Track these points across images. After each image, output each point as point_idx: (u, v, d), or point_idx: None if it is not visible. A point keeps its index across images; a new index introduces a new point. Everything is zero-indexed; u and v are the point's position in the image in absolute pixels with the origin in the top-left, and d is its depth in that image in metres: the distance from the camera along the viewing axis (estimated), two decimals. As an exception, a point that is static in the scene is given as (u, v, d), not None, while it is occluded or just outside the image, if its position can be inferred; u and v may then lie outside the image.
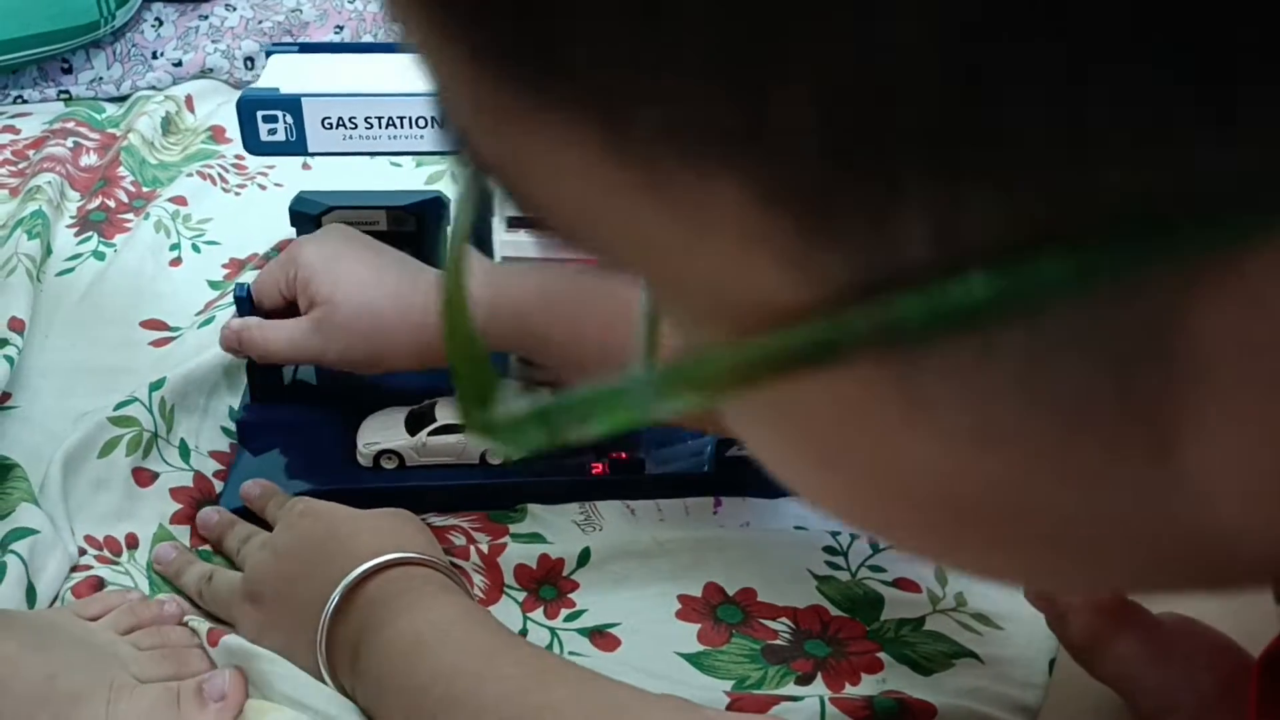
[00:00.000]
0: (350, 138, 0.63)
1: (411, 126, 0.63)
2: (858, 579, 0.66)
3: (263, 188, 1.05)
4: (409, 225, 0.76)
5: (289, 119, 0.63)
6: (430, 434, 0.69)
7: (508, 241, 0.70)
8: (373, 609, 0.55)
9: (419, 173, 1.08)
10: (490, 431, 0.20)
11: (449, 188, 1.02)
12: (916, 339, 0.16)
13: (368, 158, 1.09)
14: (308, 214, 0.75)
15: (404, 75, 0.67)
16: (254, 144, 0.63)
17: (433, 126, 0.64)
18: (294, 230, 0.76)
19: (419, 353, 0.66)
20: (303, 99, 0.62)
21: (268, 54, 0.70)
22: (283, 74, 0.66)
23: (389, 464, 0.70)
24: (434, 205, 0.76)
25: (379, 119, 0.63)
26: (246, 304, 0.71)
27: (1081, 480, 0.17)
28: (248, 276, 0.88)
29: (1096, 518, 0.18)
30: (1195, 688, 0.43)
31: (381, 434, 0.70)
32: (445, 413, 0.70)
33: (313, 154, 0.64)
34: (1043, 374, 0.16)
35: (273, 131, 0.63)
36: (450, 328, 0.20)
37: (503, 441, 0.20)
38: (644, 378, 0.18)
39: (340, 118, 0.63)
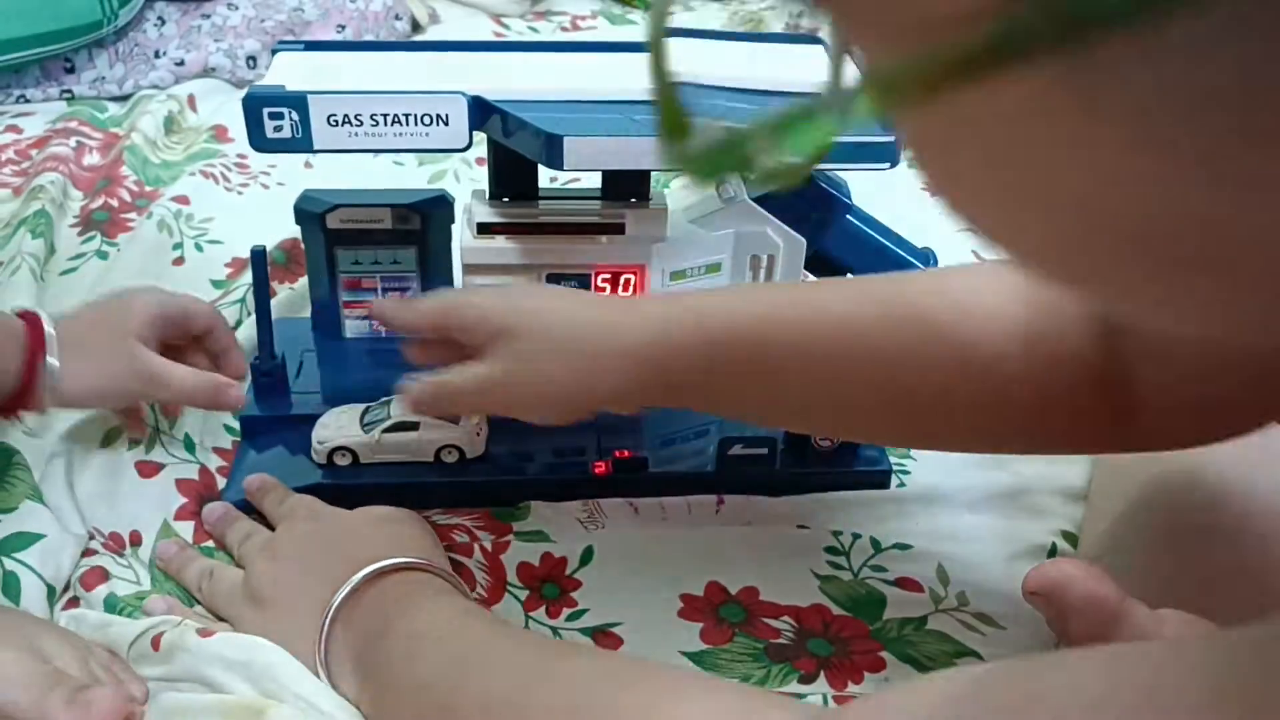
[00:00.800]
0: (356, 135, 0.63)
1: (417, 124, 0.63)
2: (860, 578, 0.66)
3: (265, 187, 1.05)
4: (413, 223, 0.76)
5: (295, 116, 0.63)
6: (384, 431, 0.69)
7: (474, 248, 0.70)
8: (373, 615, 0.55)
9: (421, 171, 1.08)
10: (686, 162, 0.20)
11: (451, 186, 1.02)
12: (1087, 33, 0.16)
13: (371, 156, 1.09)
14: (312, 212, 0.75)
15: (410, 73, 0.68)
16: (259, 141, 0.63)
17: (438, 124, 0.64)
18: (298, 229, 0.76)
19: (627, 383, 0.57)
20: (309, 96, 0.62)
21: (273, 51, 0.70)
22: (288, 71, 0.66)
23: (342, 460, 0.70)
24: (438, 203, 0.76)
25: (385, 116, 0.63)
26: (262, 263, 0.71)
27: (1234, 187, 0.18)
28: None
29: (1248, 230, 0.19)
30: None
31: (336, 431, 0.70)
32: (400, 410, 0.70)
33: (318, 151, 0.64)
34: (1201, 71, 0.17)
35: (278, 128, 0.63)
36: (652, 64, 0.21)
37: (697, 171, 0.20)
38: (832, 96, 0.19)
39: (346, 115, 0.63)
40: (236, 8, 1.28)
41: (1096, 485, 0.72)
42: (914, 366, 0.54)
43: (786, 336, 0.55)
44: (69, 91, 1.18)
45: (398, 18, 1.39)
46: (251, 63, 1.25)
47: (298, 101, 0.62)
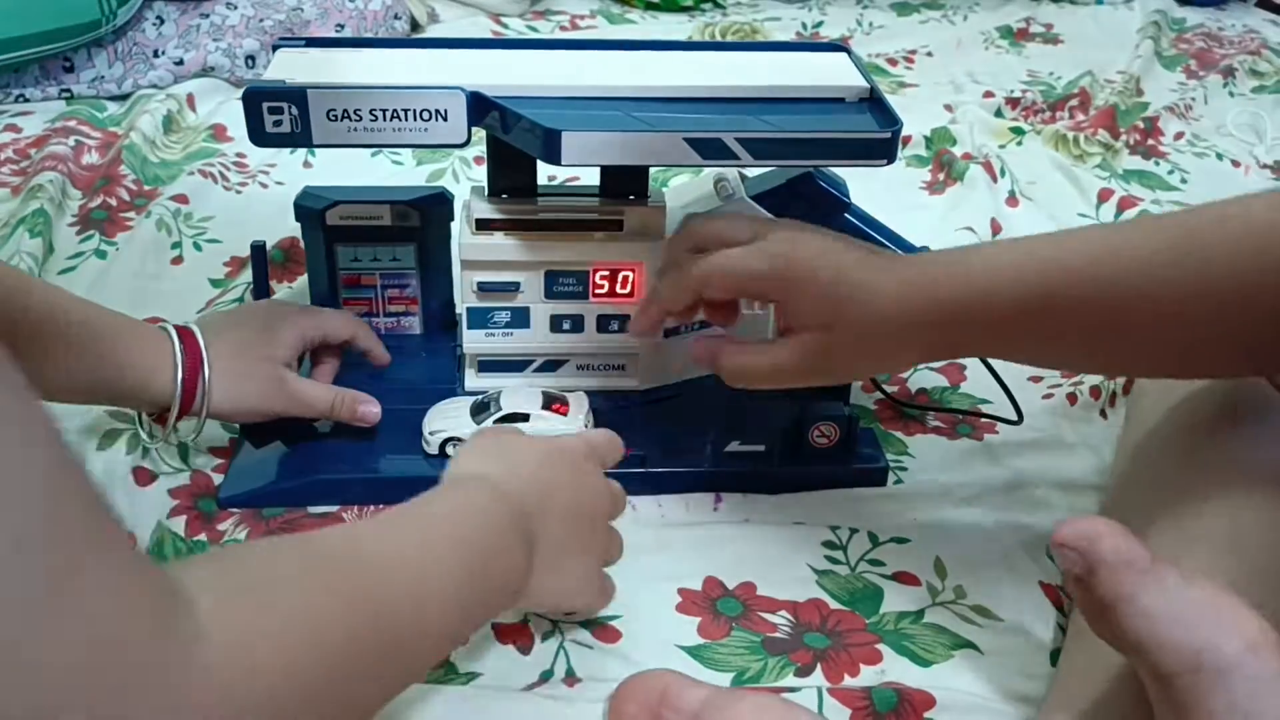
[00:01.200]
0: (355, 130, 0.63)
1: (416, 119, 0.64)
2: (857, 573, 0.66)
3: (264, 186, 1.05)
4: (413, 220, 0.76)
5: (294, 110, 0.63)
6: (495, 422, 0.70)
7: (473, 244, 0.71)
8: None
9: (420, 170, 1.08)
10: None
11: (451, 186, 1.02)
12: None
13: (370, 156, 1.09)
14: (312, 208, 0.75)
15: (409, 69, 0.68)
16: (259, 136, 0.63)
17: (437, 119, 0.64)
18: (298, 226, 0.76)
19: (921, 356, 0.65)
20: (308, 90, 0.62)
21: (274, 48, 0.70)
22: (289, 67, 0.66)
23: (454, 451, 0.71)
24: (437, 200, 0.76)
25: (384, 111, 0.63)
26: (263, 257, 0.72)
27: None
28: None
29: None
30: (1218, 650, 0.43)
31: (447, 422, 0.71)
32: (510, 402, 0.71)
33: (317, 145, 0.64)
34: None
35: (278, 123, 0.63)
36: None
37: None
38: None
39: (345, 110, 0.63)
40: (235, 7, 1.28)
41: (1119, 475, 0.71)
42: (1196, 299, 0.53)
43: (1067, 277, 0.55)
44: (68, 91, 1.18)
45: (397, 17, 1.40)
46: (250, 62, 1.25)
47: (297, 96, 0.63)
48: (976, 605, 0.64)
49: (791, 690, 0.57)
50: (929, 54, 1.55)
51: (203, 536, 0.67)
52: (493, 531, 0.51)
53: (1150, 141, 1.29)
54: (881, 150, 0.64)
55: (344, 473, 0.70)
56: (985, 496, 0.72)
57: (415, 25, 1.45)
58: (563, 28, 1.56)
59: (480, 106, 0.64)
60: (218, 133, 1.14)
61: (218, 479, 0.71)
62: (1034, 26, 1.68)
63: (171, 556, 0.65)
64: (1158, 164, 1.24)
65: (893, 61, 1.51)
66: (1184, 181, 1.21)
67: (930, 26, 1.66)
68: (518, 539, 0.52)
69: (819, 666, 0.59)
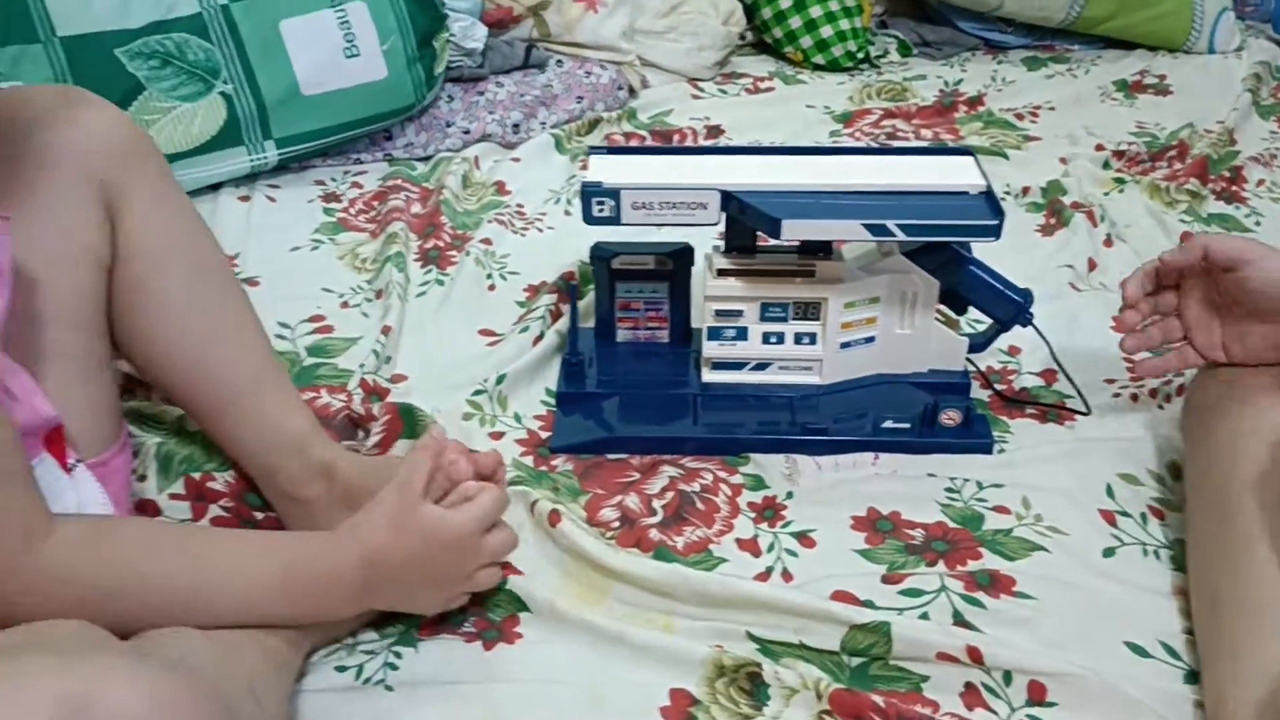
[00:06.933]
0: (650, 215, 1.00)
1: (687, 208, 0.99)
2: (968, 505, 1.00)
3: (540, 231, 1.42)
4: (668, 265, 1.13)
5: (611, 202, 1.00)
6: None
7: (715, 285, 1.05)
8: None
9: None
10: None
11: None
12: None
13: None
14: (603, 257, 1.12)
15: (681, 170, 1.03)
16: (589, 218, 1.00)
17: (699, 209, 1.00)
18: (568, 261, 1.14)
19: None
20: (621, 190, 0.99)
21: (588, 153, 1.07)
22: (603, 169, 1.02)
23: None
24: (685, 252, 1.12)
25: (667, 203, 0.99)
26: (574, 292, 1.08)
27: None
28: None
29: None
30: None
31: None
32: None
33: (625, 225, 1.00)
34: None
35: (600, 210, 1.00)
36: None
37: None
38: None
39: (644, 202, 0.99)
40: (503, 85, 1.67)
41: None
42: None
43: None
44: (389, 155, 1.58)
45: (619, 87, 1.77)
46: (516, 129, 1.64)
47: (614, 193, 0.99)
48: (1050, 525, 0.97)
49: (924, 574, 0.92)
50: (1051, 108, 1.80)
51: (544, 469, 1.04)
52: (326, 567, 0.76)
53: (1234, 188, 1.55)
54: (991, 232, 0.97)
55: (628, 432, 1.07)
56: (1060, 460, 1.04)
57: (632, 91, 1.81)
58: (747, 89, 1.89)
59: (727, 199, 1.00)
60: (499, 188, 1.51)
61: (544, 434, 1.08)
62: (1148, 78, 1.91)
63: (526, 484, 1.02)
64: (1238, 208, 1.49)
65: (1020, 116, 1.78)
66: (1258, 224, 1.46)
67: (1055, 81, 1.92)
68: (353, 571, 0.76)
69: (940, 561, 0.94)
